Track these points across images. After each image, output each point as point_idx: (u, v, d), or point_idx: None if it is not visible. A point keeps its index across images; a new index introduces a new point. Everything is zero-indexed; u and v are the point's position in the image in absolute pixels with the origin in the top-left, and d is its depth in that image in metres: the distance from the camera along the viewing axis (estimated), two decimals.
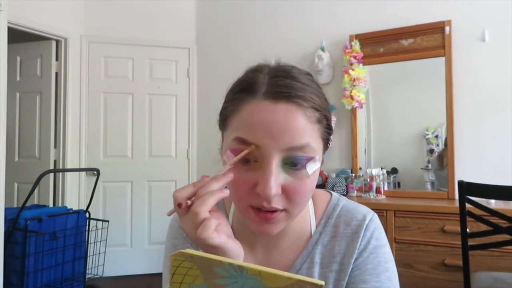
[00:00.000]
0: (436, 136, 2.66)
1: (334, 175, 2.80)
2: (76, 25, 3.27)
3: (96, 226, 2.80)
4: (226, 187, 0.54)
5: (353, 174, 2.74)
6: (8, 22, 2.50)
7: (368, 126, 2.89)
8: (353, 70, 2.68)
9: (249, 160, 0.55)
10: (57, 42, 3.20)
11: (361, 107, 2.73)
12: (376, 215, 0.69)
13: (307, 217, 0.69)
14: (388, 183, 2.74)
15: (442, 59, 2.57)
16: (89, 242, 2.75)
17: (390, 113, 2.89)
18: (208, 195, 0.50)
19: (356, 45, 2.74)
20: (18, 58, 3.28)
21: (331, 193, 0.72)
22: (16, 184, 3.26)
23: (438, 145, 2.67)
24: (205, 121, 3.45)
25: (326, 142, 0.60)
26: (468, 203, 1.62)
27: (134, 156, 3.38)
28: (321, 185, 2.72)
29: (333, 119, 2.66)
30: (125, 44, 3.37)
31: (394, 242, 2.23)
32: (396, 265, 0.66)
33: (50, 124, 3.19)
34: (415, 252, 2.17)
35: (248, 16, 3.33)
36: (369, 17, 2.83)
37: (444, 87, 2.55)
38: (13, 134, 3.24)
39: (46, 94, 3.20)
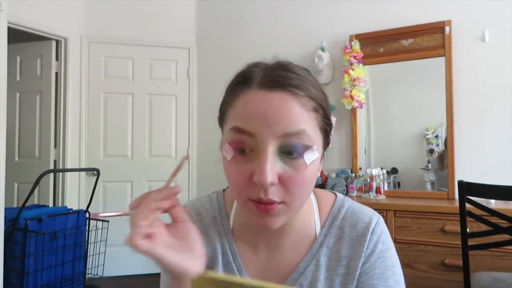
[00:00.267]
0: (436, 136, 2.66)
1: (334, 175, 2.80)
2: (76, 25, 3.27)
3: (96, 226, 2.80)
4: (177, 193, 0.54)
5: (353, 174, 2.74)
6: (8, 22, 2.50)
7: (368, 126, 2.89)
8: (353, 70, 2.68)
9: (245, 150, 0.55)
10: (57, 42, 3.20)
11: (361, 107, 2.73)
12: (381, 218, 0.68)
13: (311, 217, 0.68)
14: (388, 183, 2.74)
15: (442, 59, 2.57)
16: (89, 242, 2.75)
17: (390, 113, 2.89)
18: (143, 206, 0.49)
19: (356, 45, 2.74)
20: (18, 58, 3.28)
21: (336, 194, 0.72)
22: (16, 184, 3.26)
23: (438, 145, 2.67)
24: (205, 121, 3.45)
25: (326, 135, 0.60)
26: (468, 203, 1.62)
27: (134, 156, 3.38)
28: (321, 185, 2.72)
29: (333, 119, 2.66)
30: (125, 44, 3.37)
31: (394, 242, 2.21)
32: None
33: (50, 124, 3.19)
34: (415, 252, 2.17)
35: (248, 16, 3.33)
36: (369, 17, 2.83)
37: (444, 87, 2.55)
38: (13, 134, 3.24)
39: (46, 94, 3.20)
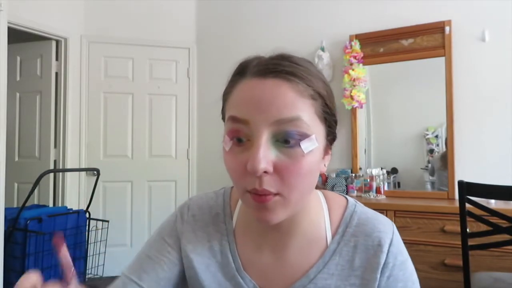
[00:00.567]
0: (436, 136, 2.66)
1: (334, 175, 2.80)
2: (76, 25, 3.27)
3: (96, 226, 2.80)
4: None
5: (353, 174, 2.74)
6: (8, 22, 2.50)
7: (368, 126, 2.89)
8: (353, 70, 2.68)
9: (242, 139, 0.54)
10: (57, 42, 3.20)
11: (361, 107, 2.73)
12: (395, 226, 0.66)
13: (321, 221, 0.65)
14: (388, 183, 2.74)
15: (442, 59, 2.57)
16: (89, 242, 2.75)
17: (390, 113, 2.89)
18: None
19: (356, 45, 2.74)
20: (18, 58, 3.28)
21: (346, 198, 0.69)
22: (16, 184, 3.26)
23: (438, 145, 2.67)
24: (205, 121, 3.45)
25: (329, 126, 0.58)
26: (468, 203, 1.62)
27: (134, 156, 3.38)
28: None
29: None
30: (125, 44, 3.37)
31: None
32: None
33: (50, 124, 3.19)
34: (415, 252, 2.17)
35: (248, 16, 3.33)
36: (369, 17, 2.83)
37: (444, 87, 2.55)
38: (13, 134, 3.24)
39: (46, 94, 3.20)
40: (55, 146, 3.21)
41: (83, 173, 3.26)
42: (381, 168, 2.76)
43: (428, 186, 2.68)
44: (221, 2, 3.46)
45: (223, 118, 0.60)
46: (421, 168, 2.73)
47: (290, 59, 0.56)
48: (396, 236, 0.63)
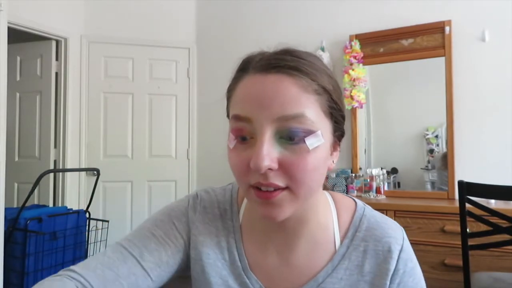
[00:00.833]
0: (436, 136, 2.66)
1: (334, 175, 2.80)
2: (76, 25, 3.27)
3: (96, 226, 2.79)
4: None
5: (353, 174, 2.73)
6: (8, 22, 2.49)
7: (368, 126, 2.89)
8: (353, 70, 2.68)
9: (246, 137, 0.53)
10: (57, 42, 3.20)
11: (361, 107, 2.72)
12: (404, 231, 0.65)
13: (330, 223, 0.63)
14: (388, 183, 2.74)
15: (442, 59, 2.57)
16: (89, 242, 2.75)
17: (390, 113, 2.89)
18: None
19: (356, 45, 2.74)
20: (18, 58, 3.28)
21: (354, 200, 0.68)
22: (16, 184, 3.26)
23: (438, 145, 2.67)
24: (205, 121, 3.45)
25: (335, 122, 0.56)
26: (468, 203, 1.62)
27: (134, 156, 3.38)
28: None
29: None
30: (125, 44, 3.37)
31: None
32: None
33: (50, 124, 3.18)
34: (415, 252, 2.16)
35: (248, 16, 3.33)
36: (369, 17, 2.83)
37: (444, 87, 2.55)
38: (13, 134, 3.24)
39: (46, 94, 3.20)
40: (55, 146, 3.21)
41: (83, 173, 3.26)
42: (381, 168, 2.76)
43: (428, 186, 2.68)
44: (221, 2, 3.46)
45: (228, 116, 0.59)
46: (421, 168, 2.73)
47: (294, 53, 0.54)
48: (406, 241, 0.63)
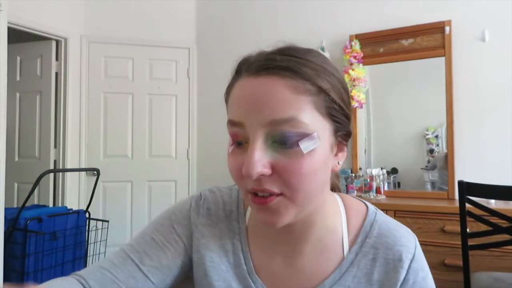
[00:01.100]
0: (436, 136, 2.66)
1: None
2: (76, 25, 3.27)
3: (96, 226, 2.79)
4: None
5: (353, 174, 2.73)
6: (8, 22, 2.49)
7: (368, 126, 2.89)
8: (353, 70, 2.68)
9: (241, 142, 0.52)
10: (57, 42, 3.20)
11: (361, 107, 2.73)
12: (416, 238, 0.63)
13: (339, 227, 0.61)
14: (388, 183, 2.74)
15: (442, 59, 2.57)
16: (89, 242, 2.75)
17: (390, 113, 2.89)
18: None
19: (356, 45, 2.74)
20: (18, 58, 3.28)
21: (366, 204, 0.65)
22: (16, 184, 3.26)
23: (438, 145, 2.67)
24: (205, 121, 3.45)
25: (336, 120, 0.53)
26: (468, 203, 1.62)
27: (134, 156, 3.38)
28: None
29: None
30: (125, 44, 3.37)
31: None
32: None
33: (50, 124, 3.18)
34: None
35: (248, 16, 3.33)
36: (369, 17, 2.83)
37: (444, 87, 2.55)
38: (13, 134, 3.24)
39: (46, 94, 3.20)
40: (55, 146, 3.21)
41: (83, 173, 3.26)
42: (381, 168, 2.76)
43: (428, 186, 2.68)
44: (221, 2, 3.46)
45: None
46: (421, 168, 2.73)
47: (289, 51, 0.52)
48: (418, 250, 0.61)
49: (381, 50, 2.76)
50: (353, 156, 2.80)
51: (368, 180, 2.67)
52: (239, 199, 0.67)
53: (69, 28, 3.21)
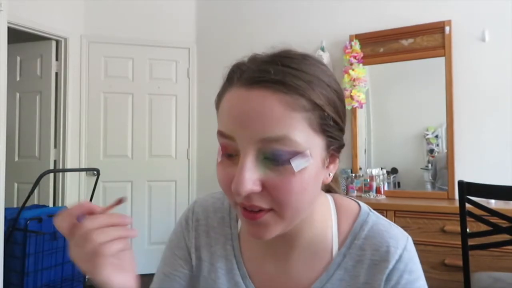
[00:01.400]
0: (436, 136, 2.66)
1: None
2: (76, 25, 3.27)
3: None
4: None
5: (353, 174, 2.73)
6: (8, 22, 2.49)
7: (368, 126, 2.89)
8: (353, 70, 2.68)
9: (232, 154, 0.50)
10: (57, 42, 3.20)
11: (361, 107, 2.72)
12: (410, 240, 0.59)
13: (329, 229, 0.60)
14: (388, 183, 2.74)
15: (442, 59, 2.57)
16: None
17: (390, 113, 2.89)
18: (115, 230, 0.50)
19: (356, 45, 2.74)
20: (18, 58, 3.28)
21: (359, 205, 0.63)
22: (16, 184, 3.26)
23: (438, 145, 2.67)
24: (205, 121, 3.45)
25: (329, 135, 0.51)
26: (468, 203, 1.62)
27: (134, 156, 3.38)
28: None
29: None
30: (125, 44, 3.37)
31: None
32: None
33: (50, 124, 3.18)
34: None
35: (248, 16, 3.33)
36: (369, 17, 2.83)
37: (444, 87, 2.55)
38: (13, 134, 3.24)
39: (46, 94, 3.20)
40: (55, 146, 3.21)
41: (83, 173, 3.26)
42: (381, 168, 2.76)
43: (428, 186, 2.68)
44: (221, 2, 3.46)
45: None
46: (421, 168, 2.73)
47: (282, 61, 0.49)
48: (407, 252, 0.57)
49: (381, 50, 2.76)
50: (353, 156, 2.80)
51: (368, 180, 2.67)
52: (231, 205, 0.67)
53: (69, 28, 3.21)
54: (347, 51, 2.75)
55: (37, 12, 2.97)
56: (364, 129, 2.88)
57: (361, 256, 0.58)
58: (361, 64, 2.71)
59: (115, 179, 3.32)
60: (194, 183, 3.48)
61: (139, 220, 3.36)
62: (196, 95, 3.51)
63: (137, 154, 3.39)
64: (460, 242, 1.64)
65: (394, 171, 2.77)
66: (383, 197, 2.59)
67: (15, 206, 3.09)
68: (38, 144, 3.23)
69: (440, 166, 2.66)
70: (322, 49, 2.91)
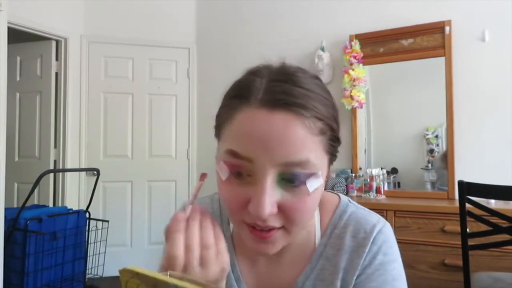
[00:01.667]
0: (436, 136, 2.66)
1: (334, 175, 2.80)
2: (76, 25, 3.27)
3: (96, 226, 2.80)
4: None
5: (353, 174, 2.73)
6: (8, 22, 2.49)
7: (368, 126, 2.89)
8: (353, 70, 2.68)
9: (241, 173, 0.49)
10: (57, 42, 3.20)
11: (361, 107, 2.72)
12: (388, 225, 0.61)
13: (312, 226, 0.62)
14: (388, 183, 2.74)
15: (442, 59, 2.57)
16: (89, 242, 2.75)
17: (390, 113, 2.89)
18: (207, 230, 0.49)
19: (356, 45, 2.74)
20: (18, 58, 3.28)
21: (340, 197, 0.65)
22: (16, 184, 3.26)
23: (438, 145, 2.67)
24: (205, 121, 3.45)
25: (331, 155, 0.53)
26: (468, 203, 1.62)
27: (134, 156, 3.38)
28: None
29: None
30: (125, 44, 3.37)
31: None
32: None
33: (50, 124, 3.19)
34: (415, 252, 2.17)
35: (248, 16, 3.33)
36: (369, 17, 2.83)
37: (444, 87, 2.55)
38: (13, 134, 3.24)
39: (46, 94, 3.20)
40: (55, 146, 3.21)
41: (83, 173, 3.26)
42: (381, 168, 2.76)
43: (428, 186, 2.68)
44: (221, 2, 3.46)
45: (216, 136, 0.56)
46: (421, 168, 2.73)
47: (300, 82, 0.49)
48: (382, 234, 0.59)
49: (381, 50, 2.76)
50: (353, 156, 2.80)
51: (368, 180, 2.67)
52: (222, 208, 0.68)
53: (69, 28, 3.21)
54: (347, 51, 2.75)
55: (37, 12, 2.97)
56: (364, 129, 2.87)
57: (340, 244, 0.59)
58: (361, 64, 2.71)
59: (115, 179, 3.32)
60: (194, 183, 3.48)
61: (139, 220, 3.36)
62: (196, 95, 3.51)
63: (137, 154, 3.39)
64: (460, 242, 1.64)
65: (394, 171, 2.77)
66: (383, 197, 2.59)
67: (15, 206, 3.09)
68: (38, 144, 3.23)
69: (437, 166, 2.66)
70: (322, 49, 2.91)
